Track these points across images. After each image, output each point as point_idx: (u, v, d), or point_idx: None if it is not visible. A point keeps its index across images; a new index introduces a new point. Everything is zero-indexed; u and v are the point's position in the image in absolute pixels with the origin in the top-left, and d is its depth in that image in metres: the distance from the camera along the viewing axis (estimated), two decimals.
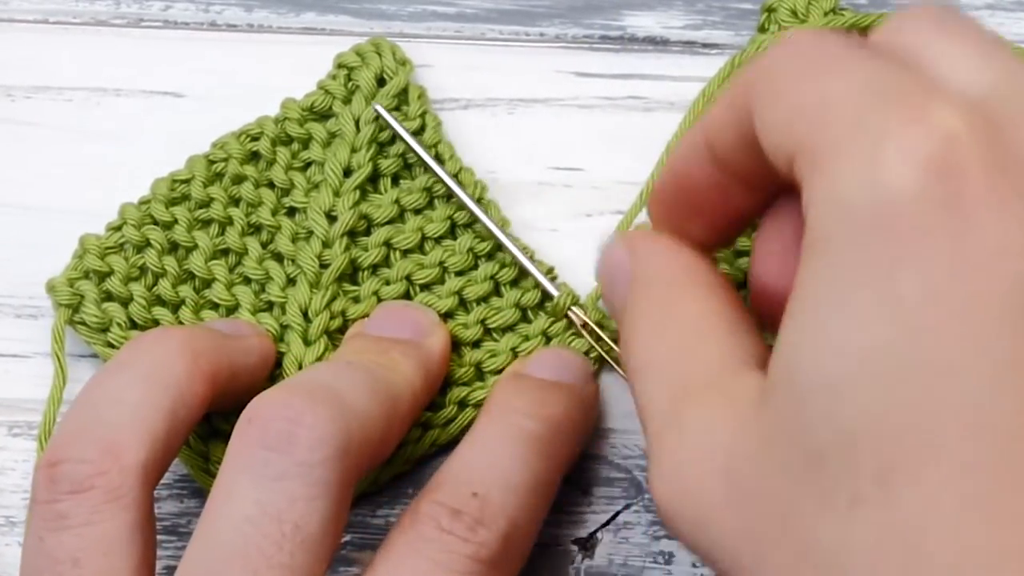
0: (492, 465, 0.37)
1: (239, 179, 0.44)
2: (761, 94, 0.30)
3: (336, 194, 0.43)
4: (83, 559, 0.35)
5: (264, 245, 0.43)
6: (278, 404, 0.35)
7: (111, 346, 0.42)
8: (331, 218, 0.43)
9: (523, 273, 0.43)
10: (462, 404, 0.42)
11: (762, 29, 0.45)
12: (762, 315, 0.33)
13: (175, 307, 0.43)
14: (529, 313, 0.43)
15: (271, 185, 0.44)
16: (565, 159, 0.45)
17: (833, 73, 0.29)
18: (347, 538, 0.42)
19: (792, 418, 0.27)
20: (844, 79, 0.28)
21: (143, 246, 0.43)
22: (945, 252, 0.26)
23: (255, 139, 0.44)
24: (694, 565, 0.42)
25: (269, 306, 0.43)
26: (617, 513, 0.42)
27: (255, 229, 0.44)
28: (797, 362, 0.28)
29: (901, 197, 0.26)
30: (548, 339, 0.43)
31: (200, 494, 0.42)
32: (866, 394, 0.26)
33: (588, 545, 0.42)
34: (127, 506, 0.35)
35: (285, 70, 0.46)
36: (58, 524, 0.35)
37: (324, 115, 0.44)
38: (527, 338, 0.43)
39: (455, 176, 0.44)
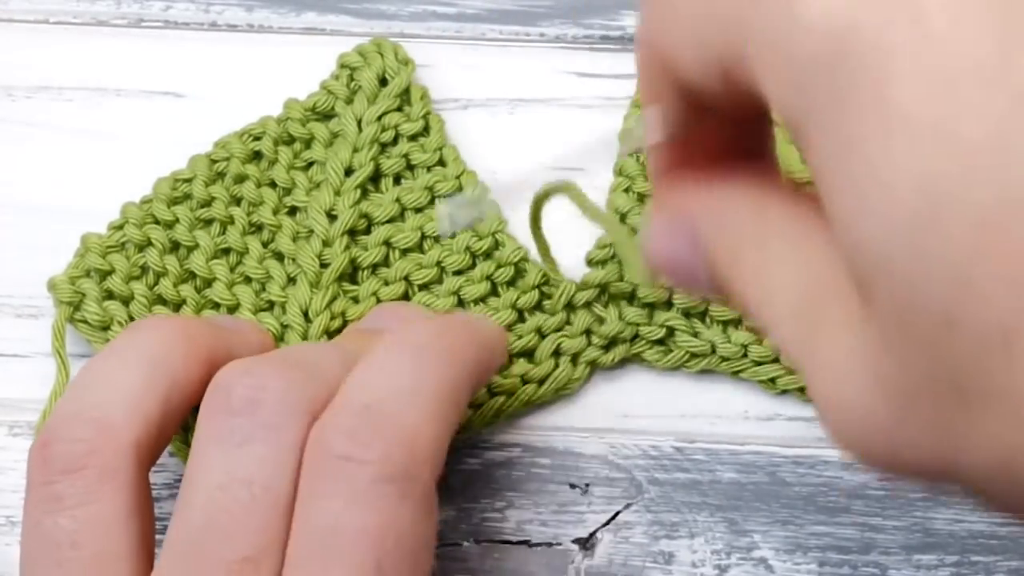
0: (388, 377, 0.36)
1: (241, 178, 0.44)
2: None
3: (337, 193, 0.43)
4: (81, 541, 0.35)
5: (265, 244, 0.44)
6: (242, 371, 0.35)
7: None
8: (332, 217, 0.43)
9: (519, 273, 0.43)
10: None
11: None
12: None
13: (176, 306, 0.43)
14: (525, 314, 0.43)
15: (273, 185, 0.44)
16: (565, 159, 0.46)
17: None
18: None
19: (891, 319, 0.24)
20: None
21: (145, 245, 0.43)
22: (908, 53, 0.23)
23: (257, 139, 0.44)
24: (694, 565, 0.42)
25: (270, 305, 0.43)
26: (617, 513, 0.43)
27: (256, 228, 0.44)
28: (856, 241, 0.24)
29: (851, 16, 0.23)
30: (542, 336, 0.43)
31: None
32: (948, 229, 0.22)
33: (588, 545, 0.42)
34: (122, 485, 0.35)
35: (285, 70, 0.46)
36: (54, 506, 0.35)
37: (327, 115, 0.45)
38: (520, 336, 0.43)
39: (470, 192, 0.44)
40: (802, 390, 0.43)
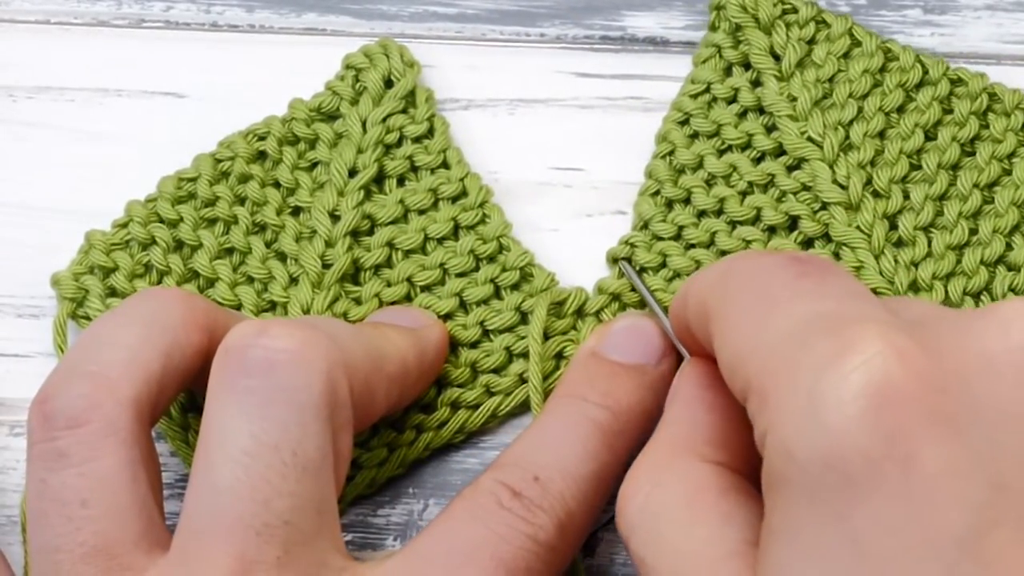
0: (557, 451, 0.38)
1: (245, 178, 0.45)
2: (715, 330, 0.32)
3: (340, 194, 0.44)
4: (90, 498, 0.35)
5: (268, 244, 0.44)
6: (256, 331, 0.36)
7: None
8: (335, 217, 0.44)
9: (525, 277, 0.44)
10: (455, 406, 0.43)
11: (712, 27, 0.46)
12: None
13: None
14: (528, 316, 0.44)
15: (277, 184, 0.45)
16: (565, 159, 0.46)
17: (771, 314, 0.30)
18: (348, 537, 0.43)
19: None
20: (781, 319, 0.30)
21: (149, 243, 0.44)
22: (895, 491, 0.27)
23: (262, 138, 0.45)
24: None
25: (272, 306, 0.44)
26: None
27: (260, 228, 0.44)
28: None
29: (843, 440, 0.27)
30: (546, 337, 0.43)
31: None
32: None
33: (588, 545, 0.42)
34: (125, 441, 0.35)
35: (286, 70, 0.47)
36: (59, 463, 0.35)
37: (331, 116, 0.45)
38: (522, 338, 0.43)
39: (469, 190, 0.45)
40: None
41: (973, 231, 0.44)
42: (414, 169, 0.45)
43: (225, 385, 0.35)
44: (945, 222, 0.44)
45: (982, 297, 0.44)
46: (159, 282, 0.44)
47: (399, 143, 0.45)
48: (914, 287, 0.43)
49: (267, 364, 0.35)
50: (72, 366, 0.37)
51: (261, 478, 0.34)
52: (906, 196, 0.44)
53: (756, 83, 0.46)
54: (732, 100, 0.45)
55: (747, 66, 0.46)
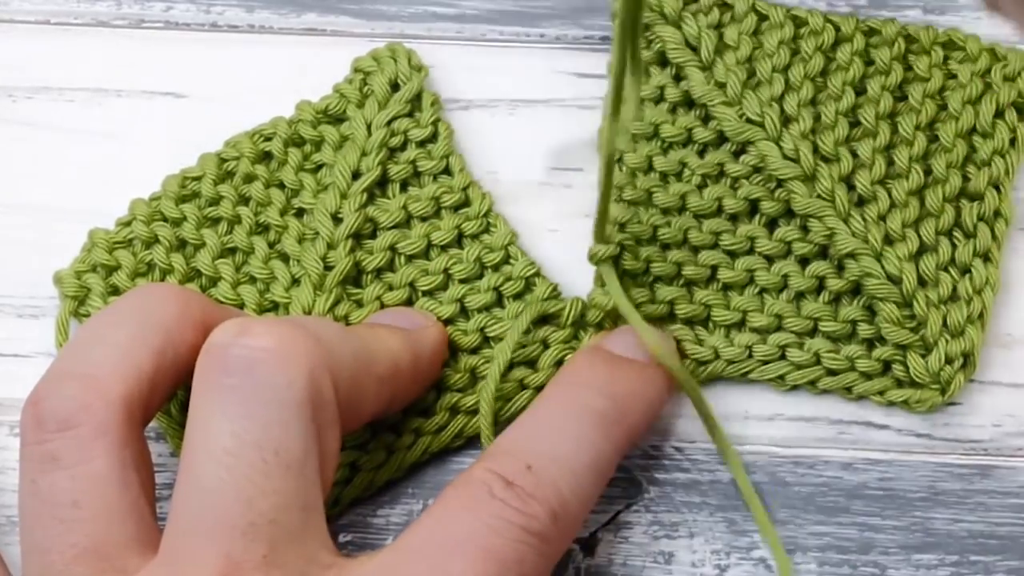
0: (552, 439, 0.38)
1: (249, 178, 0.45)
2: None
3: (343, 196, 0.44)
4: (81, 500, 0.35)
5: (271, 245, 0.45)
6: (238, 330, 0.36)
7: None
8: (337, 220, 0.44)
9: (528, 286, 0.44)
10: (453, 410, 0.44)
11: None
12: None
13: None
14: (530, 326, 0.44)
15: (281, 185, 0.45)
16: (565, 159, 0.47)
17: None
18: (347, 538, 0.43)
19: None
20: None
21: (151, 242, 0.44)
22: None
23: (268, 139, 0.45)
24: (693, 565, 0.43)
25: (273, 306, 0.44)
26: (617, 513, 0.43)
27: (263, 229, 0.45)
28: None
29: None
30: (546, 346, 0.44)
31: None
32: None
33: (588, 545, 0.43)
34: (116, 442, 0.36)
35: (286, 71, 0.47)
36: (50, 465, 0.36)
37: (338, 118, 0.45)
38: (523, 346, 0.44)
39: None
40: (812, 383, 0.44)
41: (928, 172, 0.45)
42: (416, 174, 0.45)
43: (207, 385, 0.36)
44: (899, 170, 0.44)
45: (954, 233, 0.44)
46: (161, 280, 0.44)
47: (403, 147, 0.45)
48: (888, 240, 0.44)
49: (248, 363, 0.35)
50: (63, 367, 0.37)
51: (244, 477, 0.34)
52: (855, 155, 0.45)
53: (677, 78, 0.46)
54: (660, 99, 0.45)
55: (664, 63, 0.46)
